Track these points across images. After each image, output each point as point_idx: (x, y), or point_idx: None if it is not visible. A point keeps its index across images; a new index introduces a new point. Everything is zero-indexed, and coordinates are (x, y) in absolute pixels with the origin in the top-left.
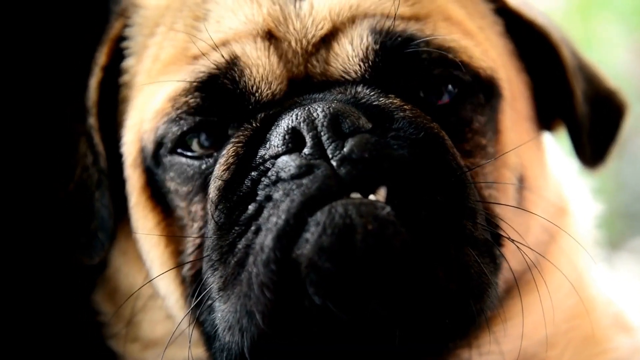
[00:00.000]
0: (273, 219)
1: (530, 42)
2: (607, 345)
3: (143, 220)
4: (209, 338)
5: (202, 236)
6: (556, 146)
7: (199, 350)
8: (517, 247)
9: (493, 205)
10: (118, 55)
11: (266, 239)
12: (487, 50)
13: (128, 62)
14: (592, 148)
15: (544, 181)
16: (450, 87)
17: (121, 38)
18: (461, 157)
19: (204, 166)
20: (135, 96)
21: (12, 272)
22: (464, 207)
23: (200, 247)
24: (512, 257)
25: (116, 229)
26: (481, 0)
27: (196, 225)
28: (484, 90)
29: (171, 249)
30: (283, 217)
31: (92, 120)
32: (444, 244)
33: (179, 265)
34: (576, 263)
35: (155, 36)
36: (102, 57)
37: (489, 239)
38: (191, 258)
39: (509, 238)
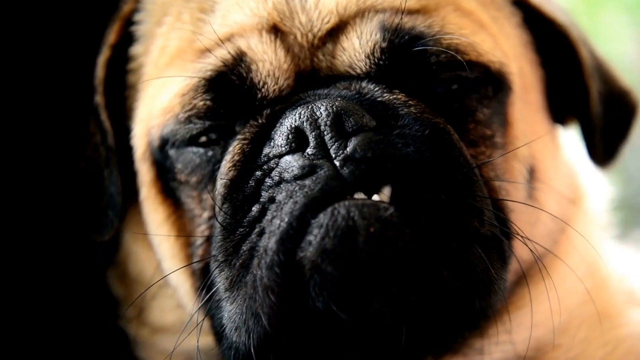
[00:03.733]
0: (276, 222)
1: (548, 37)
2: (621, 320)
3: (153, 214)
4: (217, 333)
5: (212, 226)
6: (570, 134)
7: (210, 339)
8: (524, 243)
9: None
10: (127, 37)
11: (270, 242)
12: (499, 43)
13: (136, 49)
14: (604, 147)
15: (556, 171)
16: (453, 85)
17: (130, 21)
18: (466, 148)
19: (210, 153)
20: (143, 88)
21: (27, 247)
22: (470, 204)
23: (208, 240)
24: (522, 247)
25: (126, 207)
26: None
27: (206, 214)
28: (493, 83)
29: (181, 241)
30: (286, 219)
31: (99, 98)
32: (448, 243)
33: (189, 264)
34: (590, 247)
35: (163, 26)
36: (111, 35)
37: (496, 235)
38: (200, 251)
39: (517, 235)
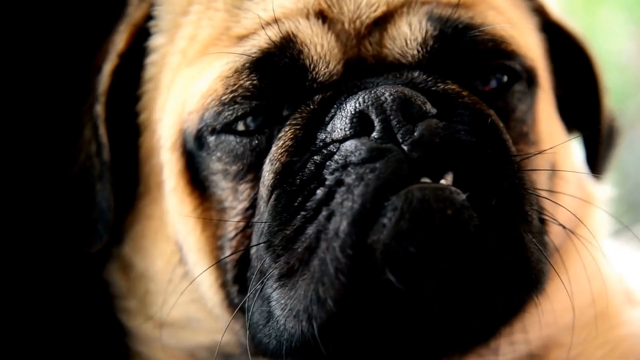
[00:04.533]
0: (348, 204)
1: (559, 48)
2: (620, 320)
3: (180, 205)
4: (255, 324)
5: (248, 218)
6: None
7: (218, 336)
8: (570, 230)
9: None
10: (140, 37)
11: (341, 224)
12: (529, 42)
13: (156, 41)
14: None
15: (571, 169)
16: (499, 74)
17: (146, 18)
18: None
19: (255, 142)
20: (171, 78)
21: (22, 238)
22: (525, 193)
23: (243, 230)
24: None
25: (117, 222)
26: None
27: (241, 206)
28: (527, 78)
29: (208, 233)
30: (359, 201)
31: (100, 109)
32: (511, 230)
33: (230, 255)
34: (597, 249)
35: (190, 15)
36: (120, 43)
37: (541, 225)
38: (233, 243)
39: (557, 222)
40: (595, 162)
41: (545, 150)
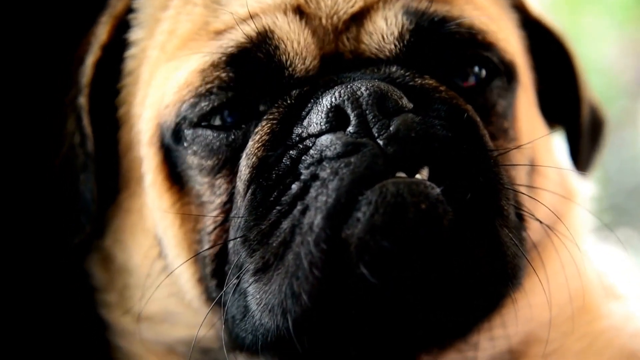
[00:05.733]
0: (322, 198)
1: (539, 44)
2: (599, 313)
3: (159, 200)
4: (232, 318)
5: (226, 212)
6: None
7: (196, 330)
8: (546, 226)
9: (517, 187)
10: (121, 29)
11: (316, 219)
12: (508, 37)
13: (136, 35)
14: (588, 153)
15: (551, 166)
16: (477, 68)
17: (127, 11)
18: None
19: (231, 138)
20: (151, 72)
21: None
22: (501, 188)
23: (222, 224)
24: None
25: (99, 214)
26: None
27: (219, 200)
28: (507, 74)
29: (186, 227)
30: (333, 196)
31: (83, 100)
32: (486, 225)
33: (198, 253)
34: (578, 245)
35: (169, 10)
36: (103, 34)
37: (518, 220)
38: (212, 237)
39: (534, 217)
40: (579, 157)
41: (522, 145)
